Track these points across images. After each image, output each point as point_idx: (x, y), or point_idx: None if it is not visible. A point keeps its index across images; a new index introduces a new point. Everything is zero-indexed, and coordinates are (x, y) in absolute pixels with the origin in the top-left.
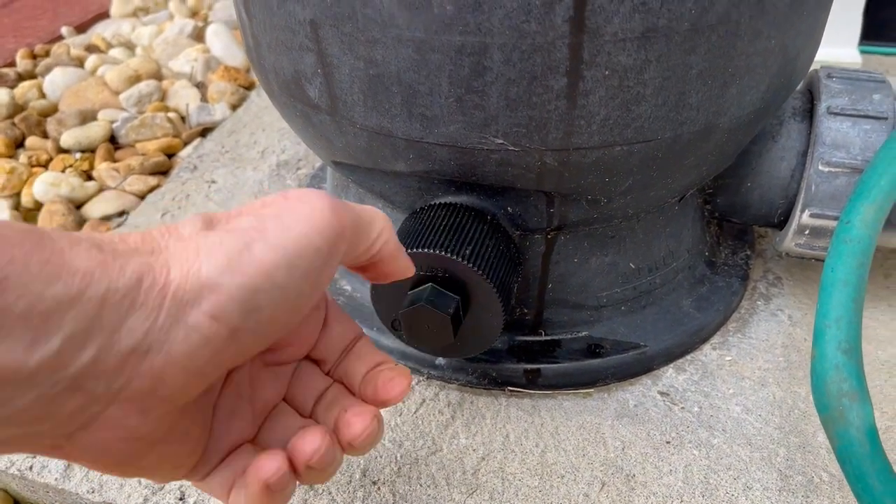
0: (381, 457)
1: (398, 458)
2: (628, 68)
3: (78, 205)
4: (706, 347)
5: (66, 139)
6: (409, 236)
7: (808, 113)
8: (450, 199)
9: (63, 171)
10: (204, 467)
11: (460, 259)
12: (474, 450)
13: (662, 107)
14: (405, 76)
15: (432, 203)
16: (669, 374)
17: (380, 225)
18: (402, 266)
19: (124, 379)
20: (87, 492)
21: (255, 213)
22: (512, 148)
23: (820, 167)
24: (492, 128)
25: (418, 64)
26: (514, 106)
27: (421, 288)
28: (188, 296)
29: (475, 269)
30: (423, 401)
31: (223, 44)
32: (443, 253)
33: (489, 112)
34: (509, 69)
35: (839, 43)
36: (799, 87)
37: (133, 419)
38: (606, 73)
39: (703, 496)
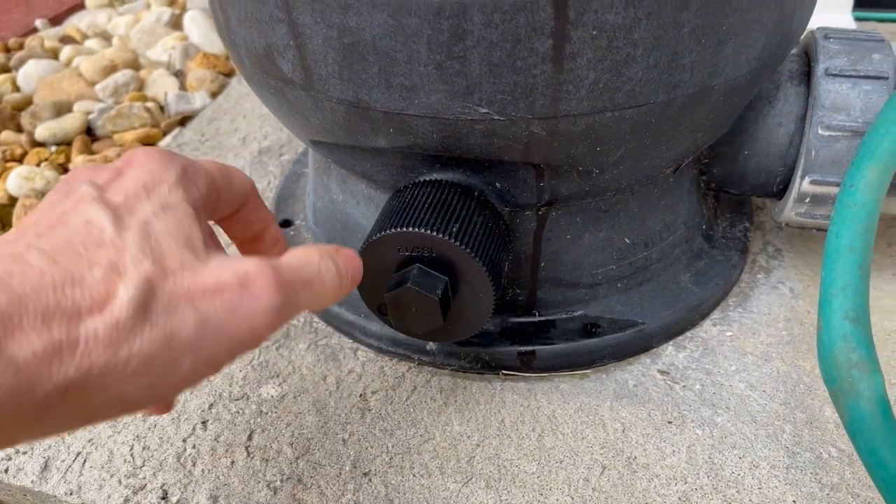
0: (371, 447)
1: (390, 448)
2: (617, 27)
3: None
4: (706, 323)
5: (41, 132)
6: (393, 215)
7: (806, 75)
8: (435, 175)
9: (38, 164)
10: None
11: (447, 237)
12: (469, 436)
13: (654, 68)
14: (381, 43)
15: (416, 181)
16: (669, 352)
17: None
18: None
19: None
20: (66, 493)
21: (193, 307)
22: (497, 117)
23: (819, 131)
24: (475, 96)
25: (394, 29)
26: (497, 72)
27: (406, 269)
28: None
29: (463, 247)
30: (415, 388)
31: (201, 31)
32: (428, 231)
33: (471, 79)
34: (491, 31)
35: (833, 9)
36: (795, 50)
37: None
38: (594, 32)
39: (707, 476)
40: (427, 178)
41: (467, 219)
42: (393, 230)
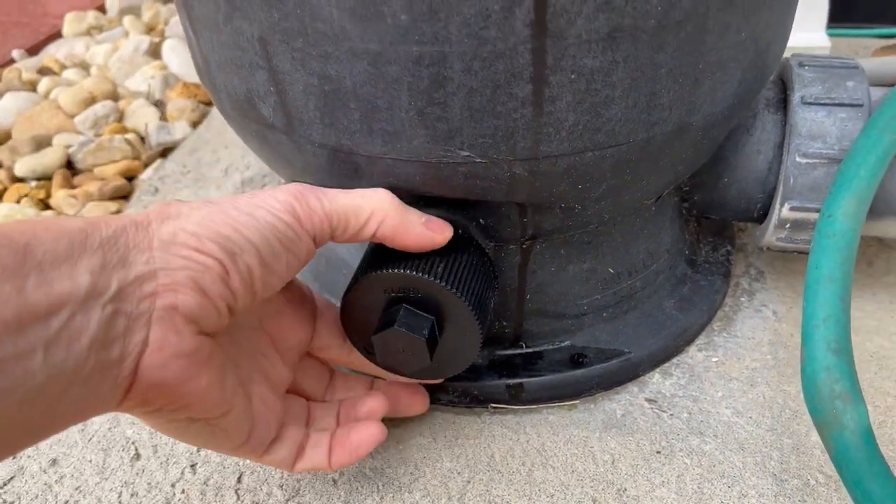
0: (362, 487)
1: (380, 488)
2: (595, 71)
3: None
4: (692, 349)
5: (20, 168)
6: (378, 256)
7: (783, 103)
8: None
9: (18, 201)
10: (261, 445)
11: (432, 278)
12: (459, 473)
13: (633, 109)
14: (362, 91)
15: None
16: (656, 380)
17: (366, 213)
18: (413, 241)
19: (148, 300)
20: None
21: (229, 196)
22: (479, 160)
23: (797, 159)
24: (456, 140)
25: (375, 77)
26: (478, 116)
27: (393, 309)
28: (171, 237)
29: (448, 287)
30: (404, 424)
31: (181, 59)
32: (414, 273)
33: (453, 124)
34: (471, 78)
35: (807, 27)
36: (771, 77)
37: (173, 337)
38: (573, 77)
39: None
40: None
41: (452, 257)
42: (379, 272)
